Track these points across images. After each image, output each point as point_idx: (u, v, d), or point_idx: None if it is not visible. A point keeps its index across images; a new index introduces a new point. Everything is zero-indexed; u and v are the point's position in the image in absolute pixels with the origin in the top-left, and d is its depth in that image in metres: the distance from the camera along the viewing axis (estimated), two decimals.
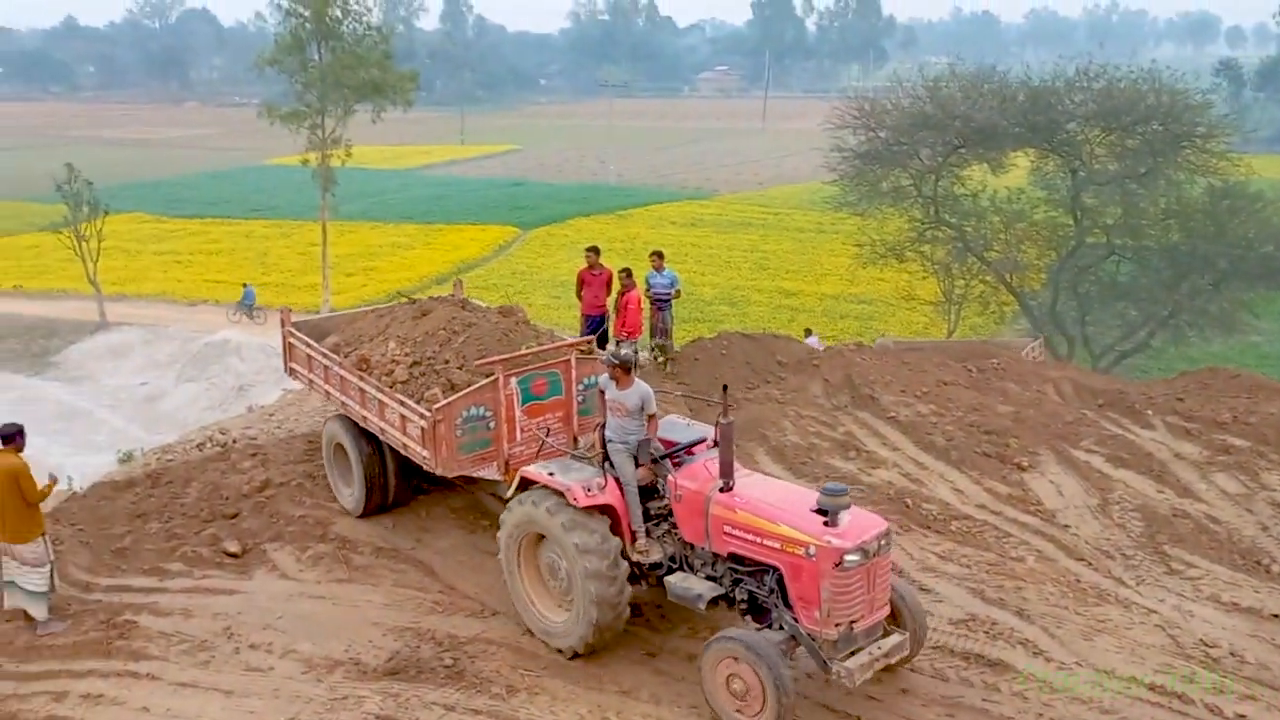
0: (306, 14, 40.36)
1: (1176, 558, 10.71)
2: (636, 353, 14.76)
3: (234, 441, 14.44)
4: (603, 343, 15.66)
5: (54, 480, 9.88)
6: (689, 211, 67.91)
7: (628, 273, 15.10)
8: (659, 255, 15.85)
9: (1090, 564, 10.48)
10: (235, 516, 11.64)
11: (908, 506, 11.52)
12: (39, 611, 9.48)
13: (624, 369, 8.76)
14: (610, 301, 15.38)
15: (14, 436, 9.39)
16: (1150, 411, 14.60)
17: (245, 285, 46.71)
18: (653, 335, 15.77)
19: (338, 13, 40.73)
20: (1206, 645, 8.99)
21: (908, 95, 31.43)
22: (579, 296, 15.72)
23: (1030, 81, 29.88)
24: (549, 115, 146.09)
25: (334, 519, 11.43)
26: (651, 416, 8.81)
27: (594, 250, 15.72)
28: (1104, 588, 9.95)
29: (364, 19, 42.02)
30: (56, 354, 43.17)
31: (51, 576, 9.59)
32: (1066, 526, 11.30)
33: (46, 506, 10.58)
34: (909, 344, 18.90)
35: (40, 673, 8.89)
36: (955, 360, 16.91)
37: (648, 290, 15.47)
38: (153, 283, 51.76)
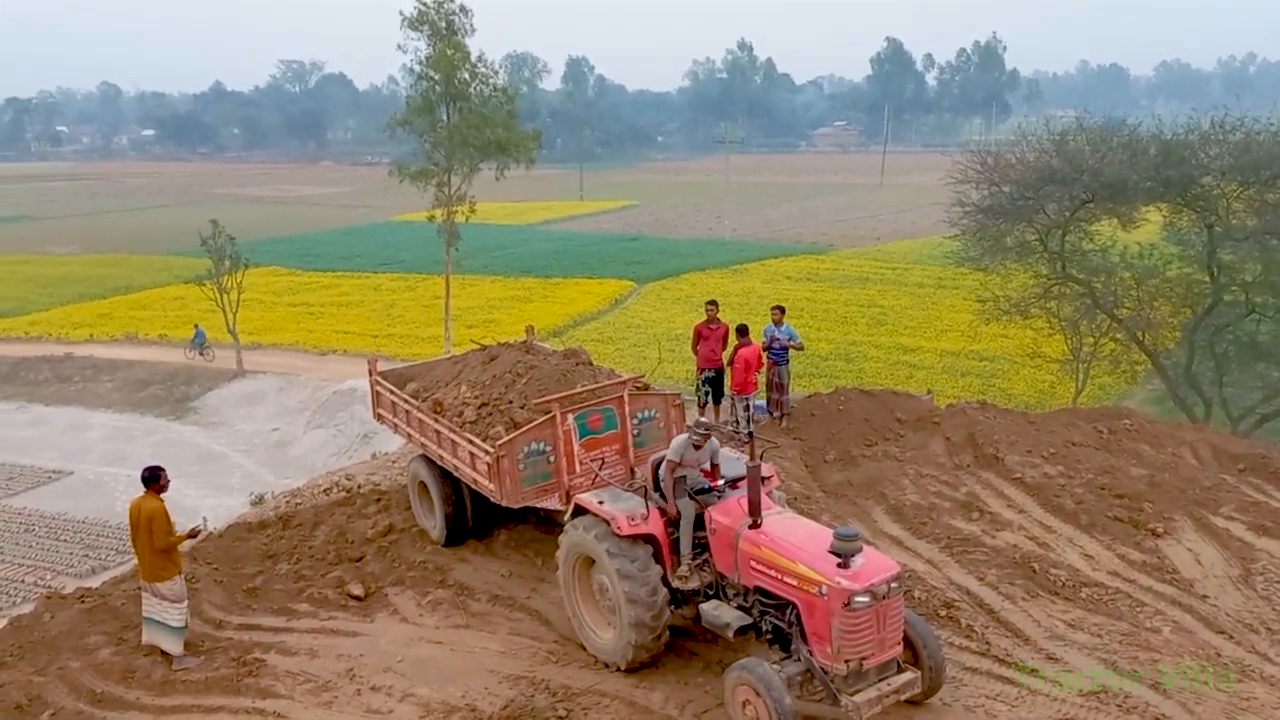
0: (437, 77, 41.98)
1: None
2: (749, 408, 14.73)
3: (359, 487, 14.89)
4: (717, 398, 15.71)
5: (195, 532, 10.28)
6: (805, 266, 67.58)
7: (743, 330, 15.09)
8: (780, 310, 15.82)
9: (1232, 637, 9.90)
10: (360, 560, 12.01)
11: (1034, 571, 11.11)
12: (175, 647, 9.88)
13: (709, 437, 9.24)
14: (726, 356, 15.39)
15: (155, 479, 9.86)
16: None
17: (196, 326, 50.47)
18: (769, 390, 15.69)
19: (466, 76, 42.23)
20: None
21: (1033, 149, 30.77)
22: (695, 351, 15.77)
23: (1162, 134, 28.93)
24: (666, 171, 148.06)
25: (453, 565, 11.67)
26: (715, 464, 9.41)
27: (713, 304, 15.79)
28: (1248, 663, 9.39)
29: (491, 81, 43.45)
30: (196, 400, 45.34)
31: (185, 613, 10.02)
32: (1205, 597, 10.72)
33: (184, 546, 11.09)
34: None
35: (174, 706, 9.26)
36: (1083, 421, 16.30)
37: (765, 344, 15.45)
38: (286, 333, 54.01)
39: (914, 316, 53.05)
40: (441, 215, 43.65)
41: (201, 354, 49.47)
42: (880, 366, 44.12)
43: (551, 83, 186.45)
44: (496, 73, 44.94)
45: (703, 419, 9.41)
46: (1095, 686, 8.83)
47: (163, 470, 9.98)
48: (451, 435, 11.18)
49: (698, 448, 9.22)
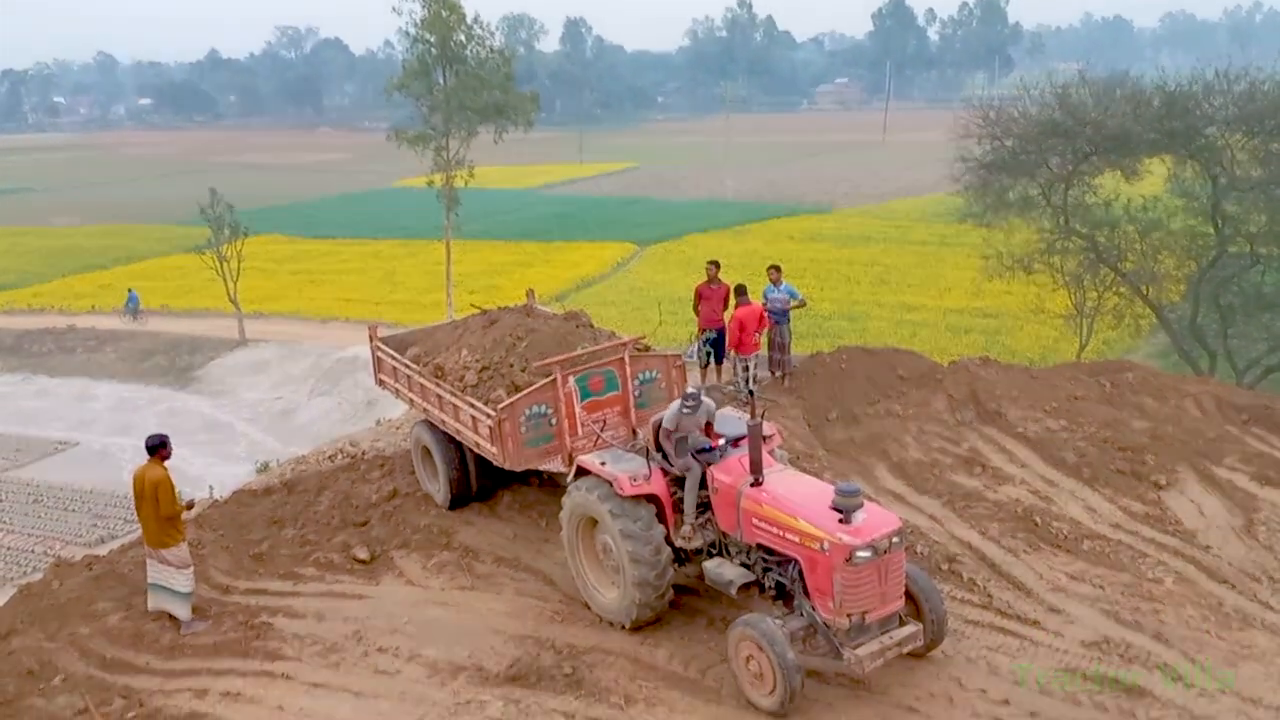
0: (433, 40, 41.56)
1: None
2: (748, 370, 14.72)
3: (363, 453, 14.92)
4: (719, 359, 15.68)
5: (190, 505, 10.41)
6: (807, 226, 67.28)
7: (741, 290, 15.03)
8: (776, 269, 15.75)
9: (1234, 587, 9.94)
10: (364, 524, 12.07)
11: (1036, 524, 11.14)
12: (182, 612, 9.96)
13: (697, 405, 9.30)
14: (728, 317, 15.34)
15: (159, 447, 9.90)
16: None
17: (130, 290, 51.89)
18: (770, 350, 15.65)
19: (462, 38, 41.81)
20: None
21: (1036, 103, 30.48)
22: (696, 311, 15.71)
23: (1166, 86, 28.66)
24: (667, 132, 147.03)
25: (457, 528, 11.72)
26: (709, 423, 9.52)
27: (714, 264, 15.69)
28: (1249, 612, 9.43)
29: (487, 43, 43.02)
30: (199, 369, 45.42)
31: (191, 578, 10.09)
32: (1208, 548, 10.75)
33: (189, 514, 11.15)
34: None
35: (183, 670, 9.35)
36: (1085, 375, 16.27)
37: (765, 304, 15.40)
38: (288, 301, 53.99)
39: (917, 275, 52.89)
40: (441, 180, 43.40)
41: (135, 318, 50.39)
42: (884, 325, 44.03)
43: (549, 44, 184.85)
44: (493, 34, 44.55)
45: (693, 388, 9.45)
46: (1097, 637, 8.88)
47: (167, 438, 10.02)
48: (453, 399, 11.20)
49: (690, 412, 9.25)
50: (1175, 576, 10.09)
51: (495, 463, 10.81)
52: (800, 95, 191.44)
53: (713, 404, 9.59)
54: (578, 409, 10.70)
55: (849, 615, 7.91)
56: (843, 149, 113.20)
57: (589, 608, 9.78)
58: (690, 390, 9.43)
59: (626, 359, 10.98)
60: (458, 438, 11.49)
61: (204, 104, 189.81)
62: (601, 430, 10.61)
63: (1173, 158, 29.10)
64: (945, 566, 10.28)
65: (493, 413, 10.45)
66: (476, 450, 11.18)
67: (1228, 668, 8.34)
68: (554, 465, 10.78)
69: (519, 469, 10.84)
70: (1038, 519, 11.25)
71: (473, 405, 10.84)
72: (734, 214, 71.91)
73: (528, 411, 10.52)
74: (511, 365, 11.30)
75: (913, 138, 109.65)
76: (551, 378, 10.53)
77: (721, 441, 9.29)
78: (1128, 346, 37.53)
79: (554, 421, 10.64)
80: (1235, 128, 27.03)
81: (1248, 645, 8.70)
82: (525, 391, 10.59)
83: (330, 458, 15.36)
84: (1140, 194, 30.59)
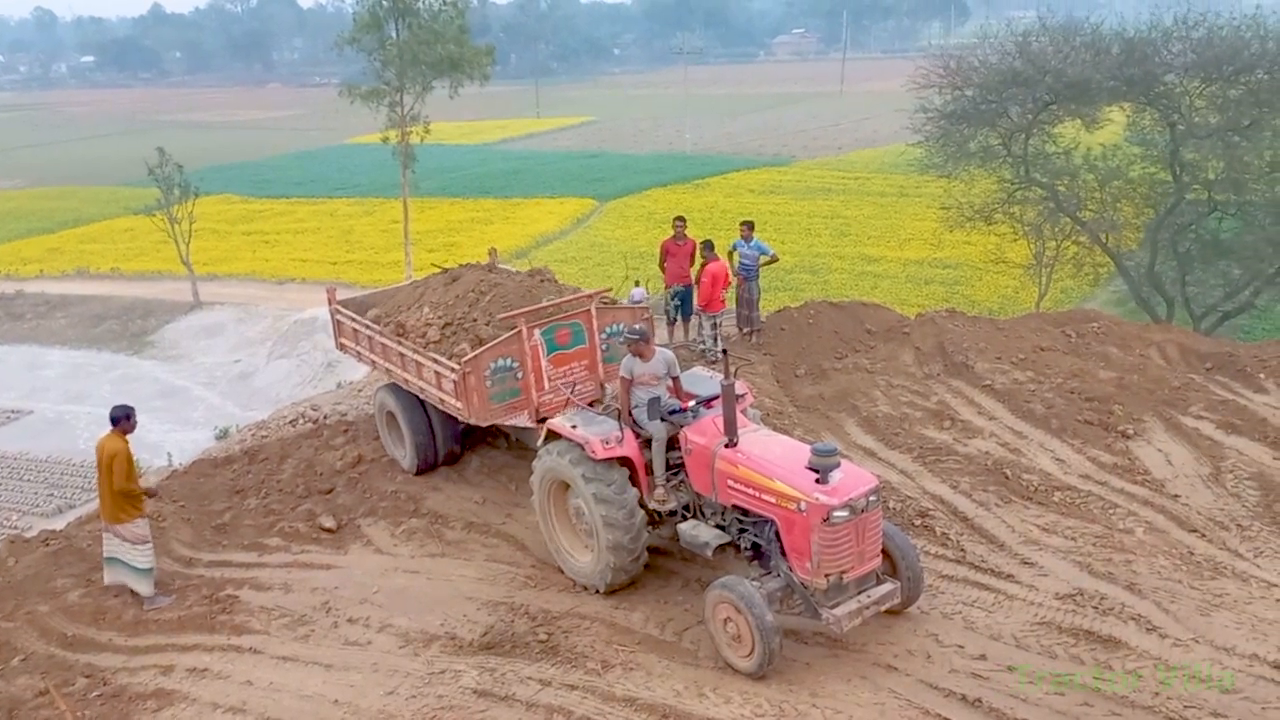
0: None
1: None
2: (716, 326, 14.59)
3: (325, 417, 14.66)
4: (686, 315, 15.54)
5: (150, 493, 10.14)
6: (766, 179, 67.02)
7: (708, 245, 14.87)
8: (748, 225, 15.56)
9: (1204, 536, 9.99)
10: (330, 492, 11.86)
11: (1007, 477, 11.14)
12: (144, 588, 9.70)
13: (645, 340, 9.13)
14: (695, 273, 15.18)
15: (121, 419, 9.58)
16: (1262, 374, 13.93)
17: None
18: (738, 307, 15.52)
19: None
20: None
21: (996, 51, 30.36)
22: (662, 268, 15.54)
23: (1125, 33, 28.64)
24: (624, 85, 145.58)
25: (425, 494, 11.54)
26: (675, 378, 9.29)
27: (681, 220, 15.53)
28: (1220, 560, 9.49)
29: None
30: (153, 333, 44.59)
31: (151, 554, 9.81)
32: (1177, 496, 10.81)
33: (149, 482, 10.86)
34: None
35: (148, 646, 9.13)
36: (1051, 326, 16.31)
37: (732, 253, 15.26)
38: (242, 262, 52.99)
39: (877, 226, 52.96)
40: (396, 136, 42.64)
41: None
42: (845, 278, 44.10)
43: None
44: None
45: (637, 325, 9.31)
46: (1070, 589, 8.89)
47: (132, 411, 9.70)
48: (416, 357, 10.98)
49: (640, 355, 9.07)
50: (1146, 526, 10.13)
51: (461, 418, 10.65)
52: (757, 46, 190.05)
53: (671, 354, 9.38)
54: (544, 363, 10.53)
55: (827, 575, 7.84)
56: (800, 100, 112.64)
57: (562, 572, 9.66)
58: (635, 327, 9.31)
59: (593, 311, 10.79)
60: (423, 396, 11.28)
61: (148, 61, 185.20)
62: (571, 391, 10.43)
63: (1131, 106, 29.14)
64: (918, 521, 10.25)
65: (457, 367, 10.26)
66: (441, 407, 10.98)
67: (1201, 617, 8.38)
68: (521, 420, 10.60)
69: (485, 424, 10.67)
70: (1008, 471, 11.25)
71: (436, 361, 10.63)
72: (693, 168, 71.46)
73: (493, 365, 10.34)
74: (475, 320, 11.10)
75: (870, 88, 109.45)
76: (516, 330, 10.31)
77: (692, 403, 9.14)
78: (1086, 295, 37.86)
79: (520, 375, 10.47)
80: (1193, 74, 27.07)
81: (1220, 594, 8.75)
82: (489, 345, 10.39)
83: (291, 422, 15.09)
84: (1100, 143, 30.68)
